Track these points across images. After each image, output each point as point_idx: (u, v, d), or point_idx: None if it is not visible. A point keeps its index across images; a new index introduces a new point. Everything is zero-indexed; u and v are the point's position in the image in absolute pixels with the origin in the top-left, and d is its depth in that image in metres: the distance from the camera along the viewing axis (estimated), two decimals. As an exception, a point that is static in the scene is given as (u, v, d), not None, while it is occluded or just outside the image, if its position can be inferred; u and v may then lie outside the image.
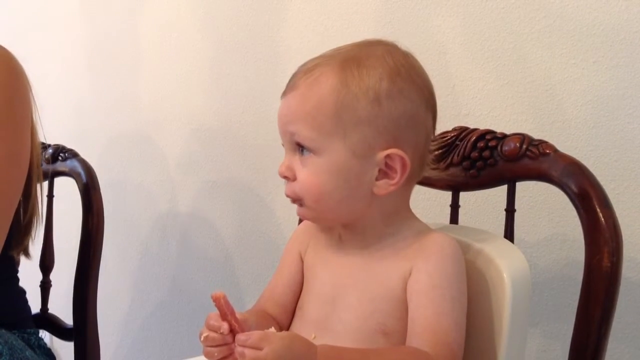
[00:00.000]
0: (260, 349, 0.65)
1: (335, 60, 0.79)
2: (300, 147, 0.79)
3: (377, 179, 0.78)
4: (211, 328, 0.71)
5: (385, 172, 0.78)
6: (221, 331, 0.70)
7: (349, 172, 0.78)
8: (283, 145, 0.83)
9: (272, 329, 0.69)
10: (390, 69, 0.78)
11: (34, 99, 1.06)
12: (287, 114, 0.81)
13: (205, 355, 0.72)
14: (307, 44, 1.37)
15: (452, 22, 1.18)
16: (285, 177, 0.81)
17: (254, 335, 0.66)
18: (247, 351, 0.65)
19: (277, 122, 0.83)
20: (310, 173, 0.78)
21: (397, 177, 0.78)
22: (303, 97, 0.79)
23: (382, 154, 0.77)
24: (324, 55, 0.82)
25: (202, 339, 0.72)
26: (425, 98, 0.80)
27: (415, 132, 0.80)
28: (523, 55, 1.11)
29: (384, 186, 0.79)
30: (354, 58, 0.79)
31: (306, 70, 0.80)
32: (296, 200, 0.81)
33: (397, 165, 0.78)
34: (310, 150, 0.78)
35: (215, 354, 0.71)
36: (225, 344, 0.70)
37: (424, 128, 0.81)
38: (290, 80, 0.82)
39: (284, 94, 0.82)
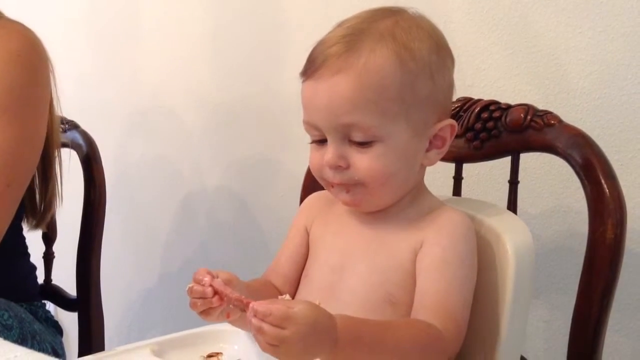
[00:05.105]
0: (283, 327, 0.61)
1: (377, 34, 0.73)
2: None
3: (427, 151, 0.78)
4: (197, 281, 0.70)
5: (432, 142, 0.78)
6: (203, 283, 0.69)
7: (409, 150, 0.76)
8: (313, 133, 0.76)
9: (287, 296, 0.66)
10: (433, 40, 0.76)
11: (54, 76, 1.06)
12: (335, 103, 0.72)
13: (191, 306, 0.71)
14: (309, 13, 1.35)
15: (456, -9, 1.16)
16: (337, 167, 0.75)
17: (276, 312, 0.61)
18: (267, 327, 0.61)
19: (306, 106, 0.76)
20: (371, 158, 0.74)
21: (446, 145, 0.79)
22: (358, 80, 0.71)
23: (437, 127, 0.77)
24: (349, 27, 0.75)
25: (187, 290, 0.71)
26: (453, 62, 0.80)
27: (452, 98, 0.81)
28: (528, 25, 1.09)
29: (434, 157, 0.79)
30: (398, 30, 0.74)
31: (347, 50, 0.72)
32: (350, 186, 0.76)
33: (447, 134, 0.78)
34: (372, 139, 0.73)
35: (199, 304, 0.70)
36: (206, 298, 0.69)
37: (454, 90, 0.81)
38: (322, 60, 0.73)
39: (318, 75, 0.73)
